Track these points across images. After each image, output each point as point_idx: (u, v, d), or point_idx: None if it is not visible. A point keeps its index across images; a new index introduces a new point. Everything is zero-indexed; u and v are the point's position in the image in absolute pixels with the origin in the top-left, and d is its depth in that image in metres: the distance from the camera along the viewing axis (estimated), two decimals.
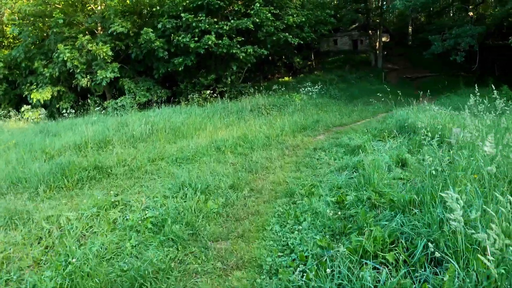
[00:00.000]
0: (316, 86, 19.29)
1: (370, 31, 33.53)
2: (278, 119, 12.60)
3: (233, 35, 18.32)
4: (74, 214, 5.21)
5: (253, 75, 31.55)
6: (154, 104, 19.23)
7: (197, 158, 8.02)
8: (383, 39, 36.41)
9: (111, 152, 8.89)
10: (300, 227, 4.13)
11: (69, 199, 6.19)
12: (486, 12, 32.63)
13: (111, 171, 7.45)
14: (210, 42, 17.14)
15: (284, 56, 32.82)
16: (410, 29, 44.36)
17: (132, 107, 19.16)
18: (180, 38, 17.67)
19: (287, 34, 18.24)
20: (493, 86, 17.21)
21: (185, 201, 4.99)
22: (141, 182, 6.70)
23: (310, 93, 18.46)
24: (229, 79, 19.09)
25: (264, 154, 8.05)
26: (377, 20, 34.12)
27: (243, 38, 17.96)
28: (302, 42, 19.09)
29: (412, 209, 3.94)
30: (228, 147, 8.65)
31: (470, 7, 29.23)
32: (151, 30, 18.11)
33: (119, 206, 5.31)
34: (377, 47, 33.69)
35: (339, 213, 4.28)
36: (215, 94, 18.41)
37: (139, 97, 19.86)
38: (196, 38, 17.69)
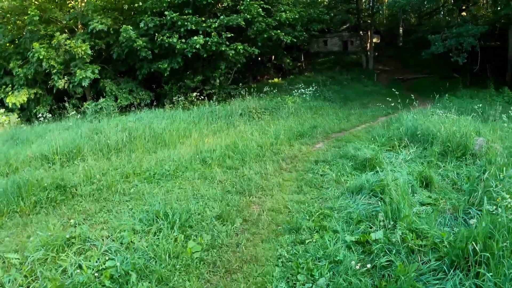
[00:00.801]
0: (310, 88, 18.20)
1: (361, 32, 32.69)
2: (271, 124, 11.44)
3: (222, 32, 17.12)
4: (18, 257, 3.98)
5: (242, 76, 30.41)
6: (137, 107, 17.96)
7: (178, 174, 6.80)
8: (374, 40, 35.64)
9: (81, 165, 7.62)
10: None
11: (22, 229, 4.94)
12: (478, 13, 32.04)
13: (76, 190, 6.19)
14: (198, 46, 15.89)
15: (274, 56, 31.76)
16: (400, 30, 43.77)
17: (113, 110, 17.83)
18: (164, 38, 16.36)
19: (279, 31, 17.09)
20: (493, 88, 16.16)
21: (158, 243, 3.77)
22: (109, 206, 5.47)
23: (304, 95, 17.36)
24: (217, 80, 17.85)
25: (257, 168, 6.87)
26: (368, 21, 33.34)
27: (232, 35, 16.74)
28: (295, 40, 17.98)
29: (474, 265, 2.80)
30: (216, 159, 7.45)
31: (463, 7, 28.61)
32: (131, 28, 16.76)
33: (74, 245, 4.07)
34: (368, 48, 32.88)
35: (368, 265, 3.11)
36: (202, 97, 17.17)
37: (121, 99, 18.51)
38: (183, 40, 16.39)
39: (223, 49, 16.27)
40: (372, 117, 14.03)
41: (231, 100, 16.44)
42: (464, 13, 28.38)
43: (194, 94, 17.57)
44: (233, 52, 16.56)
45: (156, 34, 16.77)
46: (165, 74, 17.51)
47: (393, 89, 26.44)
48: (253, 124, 11.45)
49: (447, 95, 18.36)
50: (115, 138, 9.54)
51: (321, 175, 6.23)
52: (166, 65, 17.11)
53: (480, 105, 12.20)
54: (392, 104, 19.37)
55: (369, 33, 33.40)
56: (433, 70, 34.11)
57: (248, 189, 5.59)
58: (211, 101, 14.95)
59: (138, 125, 10.95)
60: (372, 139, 8.54)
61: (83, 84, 16.72)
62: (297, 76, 31.57)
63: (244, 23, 16.97)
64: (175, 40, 15.84)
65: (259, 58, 29.67)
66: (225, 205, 4.92)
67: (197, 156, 7.67)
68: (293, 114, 13.69)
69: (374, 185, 4.98)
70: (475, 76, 28.07)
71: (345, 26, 41.58)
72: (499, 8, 27.76)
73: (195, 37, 15.77)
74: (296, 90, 18.47)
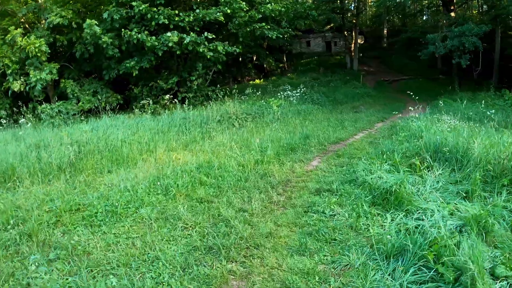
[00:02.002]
0: (297, 90, 16.46)
1: (345, 32, 31.36)
2: (255, 133, 9.61)
3: (198, 29, 15.20)
4: None
5: (222, 77, 28.50)
6: (103, 112, 15.87)
7: (130, 211, 4.88)
8: (358, 41, 34.38)
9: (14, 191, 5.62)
10: None
11: None
12: (465, 14, 31.10)
13: None
14: (170, 44, 13.89)
15: (255, 57, 30.02)
16: (385, 32, 42.80)
17: (73, 115, 15.66)
18: (132, 33, 14.27)
19: (263, 24, 15.22)
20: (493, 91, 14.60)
21: None
22: (18, 275, 3.53)
23: (290, 98, 15.60)
24: (195, 82, 15.87)
25: (238, 201, 5.02)
26: (353, 21, 32.01)
27: (213, 36, 14.77)
28: (280, 36, 16.18)
29: None
30: (183, 186, 5.55)
31: (452, 8, 27.54)
32: (96, 22, 14.62)
33: None
34: (352, 49, 31.55)
35: None
36: (176, 100, 15.18)
37: (83, 102, 16.30)
38: (154, 37, 14.32)
39: (201, 50, 14.30)
40: (368, 123, 12.36)
41: (208, 103, 14.52)
42: (453, 14, 27.33)
43: (167, 97, 15.57)
44: (211, 54, 14.63)
45: (123, 29, 14.66)
46: (134, 74, 15.43)
47: (380, 91, 25.25)
48: (233, 134, 9.58)
49: (443, 98, 16.97)
50: (60, 155, 7.51)
51: (329, 216, 4.41)
52: (133, 63, 15.02)
53: (493, 111, 10.71)
54: (385, 107, 18.00)
55: (353, 34, 32.11)
56: (418, 72, 33.16)
57: (225, 245, 3.71)
58: (184, 105, 12.98)
59: (93, 136, 8.93)
60: (382, 155, 6.79)
61: (37, 86, 14.47)
62: (280, 77, 30.03)
63: (223, 19, 15.08)
64: (144, 36, 13.80)
65: (240, 58, 27.88)
66: (188, 282, 3.04)
67: (159, 181, 5.74)
68: (280, 120, 11.89)
69: (423, 248, 3.18)
70: (463, 78, 27.06)
71: (328, 27, 40.41)
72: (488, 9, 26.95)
73: (168, 34, 13.77)
74: (281, 92, 16.69)
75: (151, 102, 14.30)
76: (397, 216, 4.29)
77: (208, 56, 14.37)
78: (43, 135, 9.62)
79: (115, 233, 4.39)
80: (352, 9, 35.40)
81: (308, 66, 34.94)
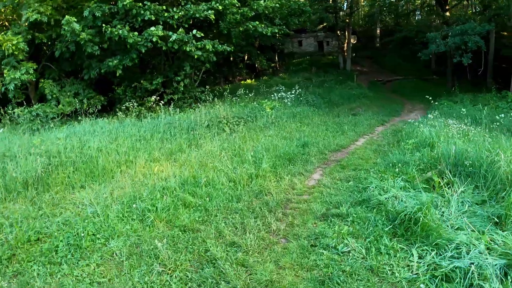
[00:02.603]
0: (292, 91, 15.62)
1: (338, 32, 30.70)
2: (248, 140, 8.74)
3: (187, 26, 14.24)
4: None
5: (212, 77, 27.55)
6: (84, 114, 14.88)
7: (97, 245, 3.99)
8: (351, 40, 33.76)
9: None
10: None
11: None
12: (466, 13, 30.56)
13: None
14: (154, 39, 12.91)
15: (246, 56, 29.14)
16: (378, 31, 42.22)
17: (53, 118, 14.62)
18: (113, 29, 13.25)
19: (257, 22, 14.32)
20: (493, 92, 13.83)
21: None
22: None
23: (285, 100, 14.75)
24: (182, 83, 14.91)
25: (230, 232, 4.16)
26: (346, 20, 31.35)
27: (202, 35, 13.81)
28: (276, 31, 15.29)
29: None
30: (164, 210, 4.66)
31: (447, 7, 27.02)
32: (74, 19, 13.58)
33: None
34: (345, 49, 30.90)
35: None
36: (162, 102, 14.21)
37: (63, 104, 15.24)
38: (136, 33, 13.32)
39: (188, 49, 13.33)
40: (368, 127, 11.57)
41: (197, 106, 13.60)
42: (448, 13, 26.80)
43: (153, 98, 14.61)
44: (199, 53, 13.66)
45: (104, 25, 13.63)
46: (118, 74, 14.40)
47: (375, 92, 24.56)
48: (223, 140, 8.69)
49: (442, 100, 16.32)
50: (27, 167, 6.57)
51: (343, 252, 3.56)
52: (116, 62, 14.01)
53: (502, 115, 10.00)
54: (383, 109, 17.25)
55: (346, 33, 31.47)
56: (411, 72, 32.70)
57: None
58: (170, 107, 12.06)
59: (67, 144, 7.98)
60: (393, 167, 5.98)
61: (10, 87, 13.40)
62: (272, 77, 29.26)
63: (214, 17, 14.15)
64: (125, 32, 12.80)
65: (231, 58, 26.97)
66: None
67: (136, 202, 4.85)
68: (274, 124, 11.03)
69: None
70: (457, 78, 26.56)
71: (321, 26, 39.81)
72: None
73: (152, 28, 12.80)
74: (274, 94, 15.83)
75: (135, 104, 13.32)
76: (426, 253, 3.47)
77: (196, 56, 13.44)
78: (14, 142, 8.65)
79: (77, 276, 3.51)
80: (345, 8, 34.81)
81: (300, 66, 34.32)
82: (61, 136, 8.82)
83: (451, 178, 5.29)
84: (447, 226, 4.10)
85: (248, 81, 27.99)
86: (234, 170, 6.02)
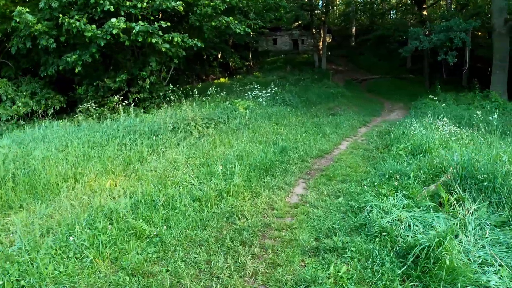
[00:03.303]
0: (267, 90, 14.63)
1: (313, 30, 30.09)
2: (219, 145, 7.66)
3: (153, 18, 13.02)
4: None
5: (185, 75, 26.26)
6: (42, 116, 13.46)
7: None
8: (326, 39, 33.24)
9: None
10: None
11: None
12: (451, 10, 30.43)
13: None
14: (115, 31, 11.59)
15: (220, 54, 27.97)
16: (353, 30, 41.90)
17: (7, 120, 13.11)
18: (71, 20, 11.84)
19: (231, 18, 13.18)
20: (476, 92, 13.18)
21: None
22: None
23: (259, 99, 13.73)
24: (147, 80, 13.62)
25: (192, 278, 3.09)
26: (322, 18, 30.73)
27: (168, 24, 12.59)
28: (249, 30, 14.21)
29: None
30: (107, 246, 3.54)
31: (424, 6, 26.80)
32: (27, 10, 12.08)
33: None
34: (320, 47, 30.30)
35: None
36: (126, 102, 12.92)
37: (18, 105, 13.68)
38: (94, 26, 11.95)
39: (153, 41, 12.08)
40: (350, 128, 10.72)
41: (168, 106, 12.37)
42: (425, 12, 26.60)
43: (116, 98, 13.28)
44: (167, 46, 12.44)
45: (61, 15, 12.19)
46: (76, 70, 12.96)
47: (352, 91, 23.92)
48: (190, 146, 7.58)
49: (424, 99, 15.69)
50: None
51: None
52: (75, 57, 12.60)
53: (496, 116, 9.34)
54: (363, 109, 16.47)
55: (322, 32, 30.85)
56: (387, 71, 32.48)
57: None
58: (131, 108, 10.83)
59: (9, 153, 6.68)
60: (389, 178, 5.06)
61: None
62: (246, 75, 28.29)
63: (182, 9, 12.96)
64: (82, 24, 11.45)
65: (204, 56, 25.77)
66: None
67: (73, 234, 3.70)
68: (248, 126, 10.00)
69: None
70: (434, 77, 26.37)
71: (296, 24, 39.13)
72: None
73: (113, 19, 11.50)
74: (248, 93, 14.78)
75: (93, 104, 11.95)
76: None
77: (163, 49, 12.22)
78: None
79: None
80: (321, 6, 34.20)
81: (275, 64, 33.57)
82: (5, 143, 7.47)
83: (461, 193, 4.41)
84: (469, 259, 3.21)
85: (222, 79, 26.87)
86: (200, 186, 4.94)
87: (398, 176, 5.02)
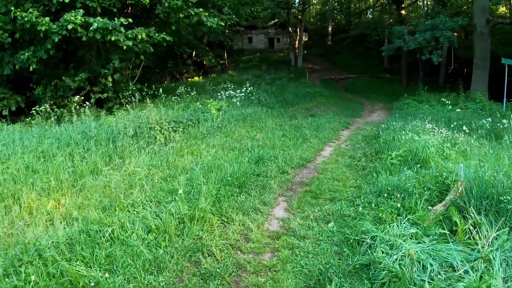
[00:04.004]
0: (242, 90, 13.69)
1: (290, 29, 29.45)
2: (186, 154, 6.68)
3: (116, 10, 11.86)
4: None
5: (157, 74, 24.91)
6: None
7: None
8: (303, 38, 32.67)
9: None
10: None
11: None
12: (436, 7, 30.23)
13: None
14: (70, 26, 10.33)
15: (194, 52, 26.81)
16: (330, 29, 41.46)
17: None
18: (25, 14, 10.53)
19: (201, 9, 12.11)
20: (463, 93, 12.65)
21: None
22: None
23: (233, 99, 12.78)
24: (110, 79, 12.42)
25: None
26: (299, 17, 30.08)
27: (130, 21, 11.42)
28: (222, 24, 13.21)
29: None
30: None
31: (402, 5, 26.48)
32: None
33: None
34: (297, 46, 29.70)
35: None
36: (88, 102, 11.67)
37: None
38: (47, 18, 10.66)
39: (113, 39, 10.90)
40: (332, 131, 9.94)
41: (131, 107, 11.23)
42: (404, 11, 26.30)
43: (77, 98, 11.99)
44: (130, 44, 11.29)
45: (13, 8, 10.86)
46: (31, 68, 11.64)
47: (329, 90, 23.29)
48: (153, 155, 6.56)
49: (406, 99, 15.10)
50: None
51: None
52: (29, 54, 11.32)
53: (489, 119, 8.76)
54: (343, 109, 15.76)
55: (298, 30, 30.24)
56: (364, 70, 32.14)
57: None
58: (86, 109, 9.68)
59: None
60: (388, 198, 4.24)
61: None
62: (220, 74, 27.32)
63: (148, 1, 11.87)
64: (33, 18, 10.19)
65: (178, 53, 24.54)
66: None
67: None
68: (221, 130, 9.05)
69: None
70: (411, 77, 26.12)
71: (272, 22, 38.42)
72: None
73: (67, 14, 10.28)
74: (222, 92, 13.81)
75: (47, 106, 10.66)
76: None
77: (125, 47, 11.08)
78: None
79: None
80: (297, 5, 33.54)
81: (250, 63, 32.77)
82: None
83: (477, 217, 3.63)
84: None
85: (196, 78, 25.77)
86: (158, 209, 3.96)
87: (398, 194, 4.20)
